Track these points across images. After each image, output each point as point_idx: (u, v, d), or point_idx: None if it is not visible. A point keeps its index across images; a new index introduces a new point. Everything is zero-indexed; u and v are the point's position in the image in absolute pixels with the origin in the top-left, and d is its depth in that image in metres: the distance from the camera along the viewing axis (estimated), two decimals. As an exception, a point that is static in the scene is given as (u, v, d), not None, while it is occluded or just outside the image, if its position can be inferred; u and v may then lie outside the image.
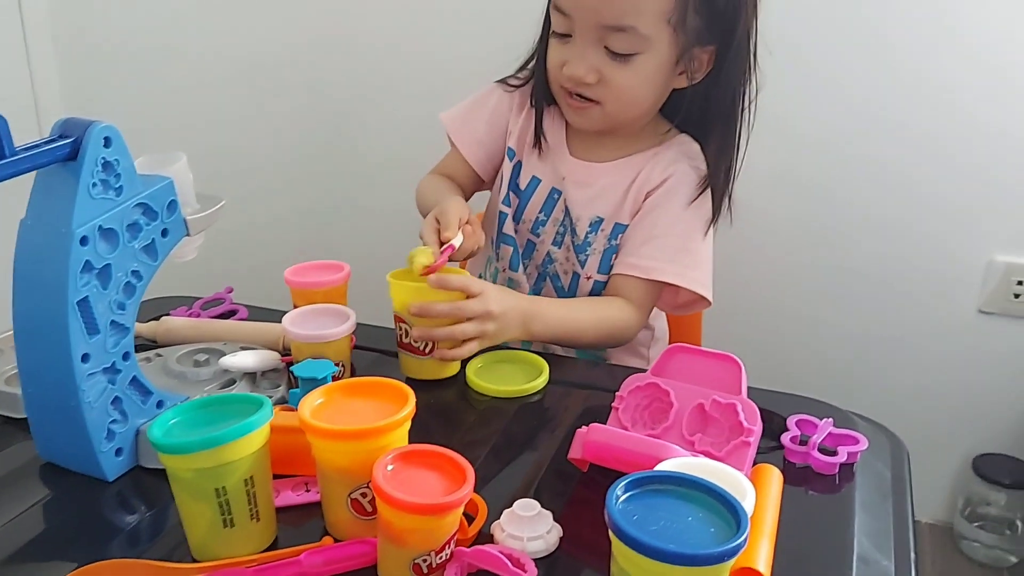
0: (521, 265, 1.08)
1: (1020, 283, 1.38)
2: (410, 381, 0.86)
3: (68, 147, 0.66)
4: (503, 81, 1.11)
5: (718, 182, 1.02)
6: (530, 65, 1.07)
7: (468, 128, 1.11)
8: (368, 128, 1.64)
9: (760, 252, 1.48)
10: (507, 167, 1.09)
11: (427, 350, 0.88)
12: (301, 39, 1.62)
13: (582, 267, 1.05)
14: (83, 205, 0.66)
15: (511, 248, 1.08)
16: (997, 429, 1.46)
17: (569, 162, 1.06)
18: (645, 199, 1.02)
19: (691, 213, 1.01)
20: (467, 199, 1.09)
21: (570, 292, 1.07)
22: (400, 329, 0.88)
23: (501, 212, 1.08)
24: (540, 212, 1.06)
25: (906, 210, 1.39)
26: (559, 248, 1.06)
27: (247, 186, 1.70)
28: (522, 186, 1.08)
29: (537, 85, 1.06)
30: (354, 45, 1.59)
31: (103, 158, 0.67)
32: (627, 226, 1.03)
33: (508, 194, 1.08)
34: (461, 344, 0.87)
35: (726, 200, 1.03)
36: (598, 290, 1.05)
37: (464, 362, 0.91)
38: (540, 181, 1.07)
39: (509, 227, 1.08)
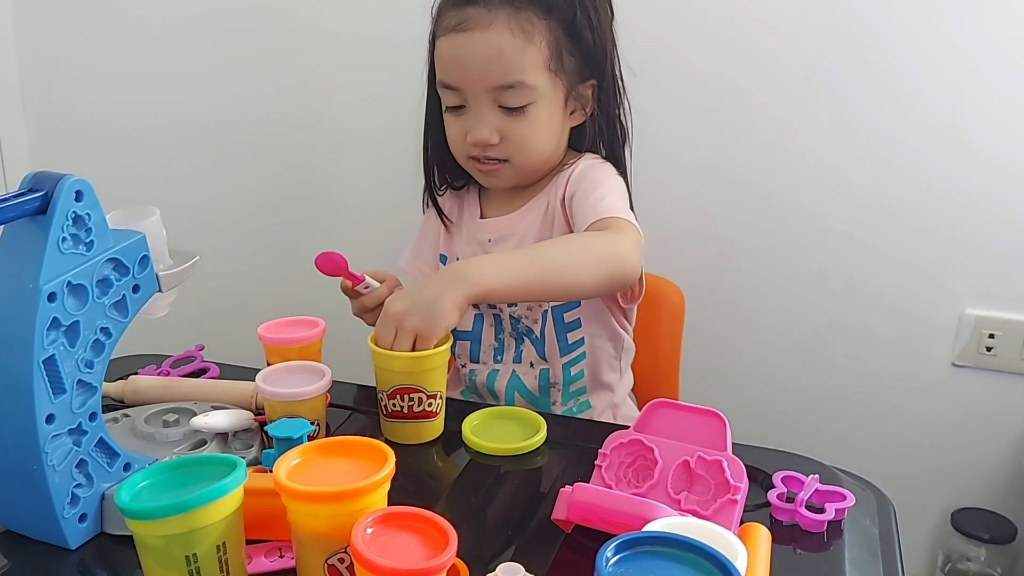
0: (491, 348, 1.11)
1: (991, 336, 1.40)
2: (390, 442, 0.85)
3: (38, 200, 0.64)
4: (427, 206, 1.16)
5: None
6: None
7: (420, 262, 1.17)
8: (342, 184, 1.63)
9: (733, 311, 1.48)
10: None
11: (408, 413, 0.86)
12: (275, 97, 1.62)
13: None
14: (52, 260, 0.64)
15: (467, 343, 1.12)
16: (975, 483, 1.46)
17: (487, 224, 1.10)
18: (564, 202, 1.05)
19: (607, 175, 1.05)
20: None
21: (542, 338, 1.07)
22: (382, 396, 0.87)
23: None
24: None
25: (877, 266, 1.40)
26: (516, 306, 1.08)
27: (220, 242, 1.68)
28: None
29: (429, 172, 1.12)
30: (329, 104, 1.59)
31: (74, 212, 0.66)
32: None
33: None
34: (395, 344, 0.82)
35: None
36: (566, 309, 1.06)
37: (449, 423, 0.89)
38: None
39: (464, 323, 1.11)
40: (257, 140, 1.66)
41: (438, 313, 0.81)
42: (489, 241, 1.09)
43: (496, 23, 0.96)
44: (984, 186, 1.32)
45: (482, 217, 1.11)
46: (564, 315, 1.06)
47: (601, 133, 1.08)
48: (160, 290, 0.75)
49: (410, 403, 0.85)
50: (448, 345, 0.86)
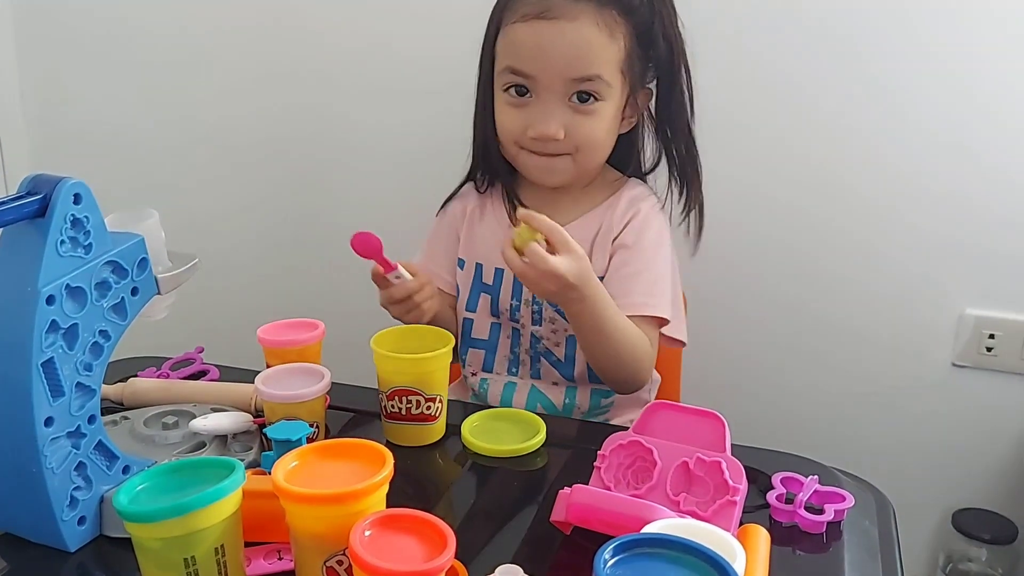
0: (506, 359, 1.09)
1: (991, 336, 1.39)
2: (392, 444, 0.85)
3: (36, 204, 0.64)
4: (443, 207, 1.14)
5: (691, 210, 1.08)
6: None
7: (434, 264, 1.12)
8: (341, 185, 1.63)
9: (734, 311, 1.48)
10: (463, 275, 1.10)
11: (406, 415, 0.86)
12: (274, 98, 1.62)
13: None
14: (50, 263, 0.65)
15: (482, 351, 1.09)
16: (976, 484, 1.46)
17: None
18: (614, 244, 1.04)
19: (663, 247, 1.05)
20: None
21: (567, 362, 1.05)
22: (382, 397, 0.87)
23: (466, 319, 1.10)
24: (512, 299, 1.06)
25: (877, 266, 1.40)
26: (540, 326, 1.06)
27: (219, 244, 1.68)
28: (490, 282, 1.08)
29: (487, 160, 1.08)
30: (328, 107, 1.59)
31: (72, 215, 0.66)
32: (602, 278, 1.02)
33: (476, 298, 1.09)
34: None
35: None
36: None
37: (448, 424, 0.89)
38: (504, 270, 1.07)
39: (480, 331, 1.09)
40: (257, 142, 1.65)
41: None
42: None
43: (583, 15, 0.94)
44: (984, 187, 1.32)
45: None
46: None
47: (668, 147, 1.06)
48: (159, 292, 0.75)
49: (408, 405, 0.85)
50: (448, 348, 0.86)
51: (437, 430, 0.88)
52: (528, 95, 0.98)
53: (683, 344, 1.06)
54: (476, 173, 1.11)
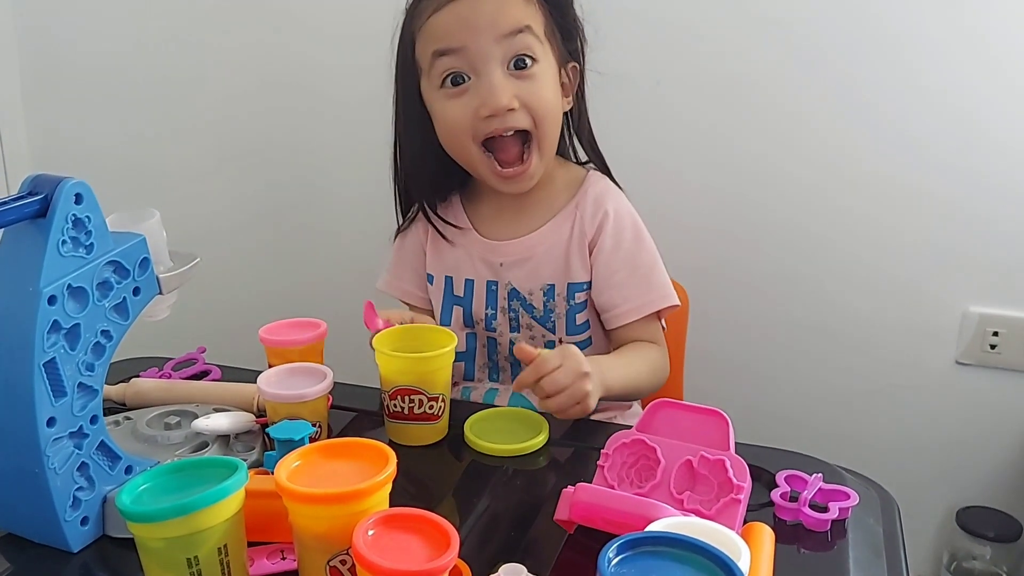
0: (486, 367, 1.09)
1: (995, 334, 1.39)
2: (394, 443, 0.85)
3: (37, 204, 0.64)
4: (400, 230, 1.13)
5: None
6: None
7: (404, 282, 1.12)
8: (344, 185, 1.63)
9: (737, 308, 1.48)
10: (433, 291, 1.09)
11: (409, 414, 0.86)
12: (276, 98, 1.62)
13: (553, 334, 1.04)
14: (52, 263, 0.64)
15: (461, 364, 1.09)
16: (980, 481, 1.46)
17: (501, 247, 1.05)
18: (591, 251, 1.02)
19: (642, 237, 1.04)
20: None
21: None
22: (385, 396, 0.87)
23: None
24: (487, 308, 1.05)
25: (880, 264, 1.40)
26: (518, 332, 1.06)
27: (221, 243, 1.68)
28: (461, 294, 1.07)
29: (430, 184, 1.06)
30: (331, 106, 1.60)
31: (74, 215, 0.66)
32: (583, 284, 1.03)
33: (449, 311, 1.08)
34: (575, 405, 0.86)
35: None
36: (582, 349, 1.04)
37: (450, 423, 0.89)
38: (474, 280, 1.06)
39: (458, 344, 1.07)
40: (258, 141, 1.66)
41: (594, 397, 0.87)
42: (501, 265, 1.04)
43: None
44: (988, 184, 1.32)
45: (482, 237, 1.06)
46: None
47: (580, 127, 1.07)
48: (161, 292, 0.75)
49: (411, 404, 0.85)
50: (451, 347, 0.86)
51: (440, 429, 0.88)
52: (466, 81, 0.95)
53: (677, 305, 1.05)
54: (417, 205, 1.08)
